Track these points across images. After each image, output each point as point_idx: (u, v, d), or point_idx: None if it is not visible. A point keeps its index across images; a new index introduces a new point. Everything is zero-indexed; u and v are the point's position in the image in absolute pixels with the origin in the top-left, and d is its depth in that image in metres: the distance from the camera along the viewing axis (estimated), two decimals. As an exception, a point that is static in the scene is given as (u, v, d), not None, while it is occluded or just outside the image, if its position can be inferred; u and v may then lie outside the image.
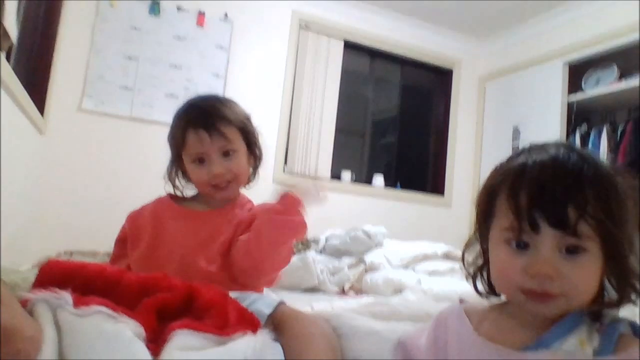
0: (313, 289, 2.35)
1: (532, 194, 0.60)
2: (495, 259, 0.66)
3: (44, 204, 2.97)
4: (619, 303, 0.64)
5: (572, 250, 0.59)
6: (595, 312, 0.63)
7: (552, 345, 0.61)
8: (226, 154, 1.11)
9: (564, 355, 0.59)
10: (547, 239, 0.59)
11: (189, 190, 1.21)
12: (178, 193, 1.20)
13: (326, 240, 2.83)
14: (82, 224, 3.03)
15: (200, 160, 1.10)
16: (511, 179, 0.63)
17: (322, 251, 2.76)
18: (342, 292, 2.41)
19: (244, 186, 1.19)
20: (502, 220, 0.63)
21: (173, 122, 1.16)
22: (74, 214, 3.07)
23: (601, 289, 0.64)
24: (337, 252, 2.74)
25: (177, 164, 1.17)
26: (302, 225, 1.03)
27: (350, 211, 3.82)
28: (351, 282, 2.47)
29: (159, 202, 1.20)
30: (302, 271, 2.30)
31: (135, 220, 1.17)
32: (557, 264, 0.59)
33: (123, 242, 1.17)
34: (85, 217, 3.07)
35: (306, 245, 2.69)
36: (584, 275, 0.60)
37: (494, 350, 0.63)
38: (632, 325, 0.63)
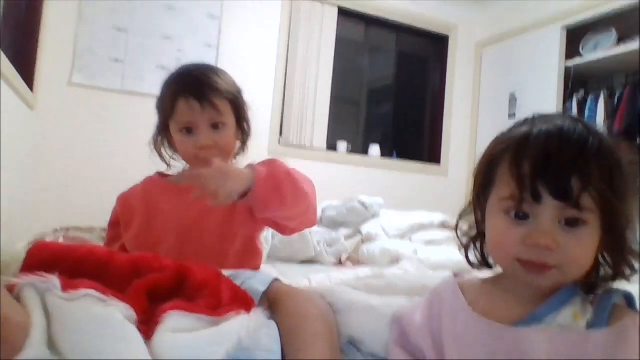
0: (310, 261, 2.36)
1: (536, 163, 0.59)
2: (493, 229, 0.65)
3: (37, 180, 2.95)
4: (613, 278, 0.63)
5: (572, 223, 0.59)
6: (590, 285, 0.63)
7: (545, 318, 0.61)
8: (215, 126, 1.07)
9: (557, 330, 0.60)
10: (548, 209, 0.59)
11: (176, 167, 1.18)
12: (165, 167, 1.17)
13: (323, 211, 2.84)
14: (77, 199, 3.02)
15: (188, 130, 1.07)
16: (515, 148, 0.62)
17: (318, 222, 2.76)
18: (339, 263, 2.42)
19: (230, 161, 1.16)
20: (503, 189, 0.62)
21: (163, 88, 1.12)
22: (68, 189, 3.06)
23: (596, 263, 0.63)
24: (333, 223, 2.75)
25: (164, 132, 1.14)
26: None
27: (347, 182, 3.81)
28: (348, 253, 2.48)
29: (148, 181, 1.18)
30: (299, 243, 2.31)
31: (126, 201, 1.16)
32: (556, 236, 0.58)
33: (116, 224, 1.16)
34: (79, 192, 3.06)
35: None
36: (582, 248, 0.59)
37: (487, 326, 0.63)
38: (626, 296, 0.63)
